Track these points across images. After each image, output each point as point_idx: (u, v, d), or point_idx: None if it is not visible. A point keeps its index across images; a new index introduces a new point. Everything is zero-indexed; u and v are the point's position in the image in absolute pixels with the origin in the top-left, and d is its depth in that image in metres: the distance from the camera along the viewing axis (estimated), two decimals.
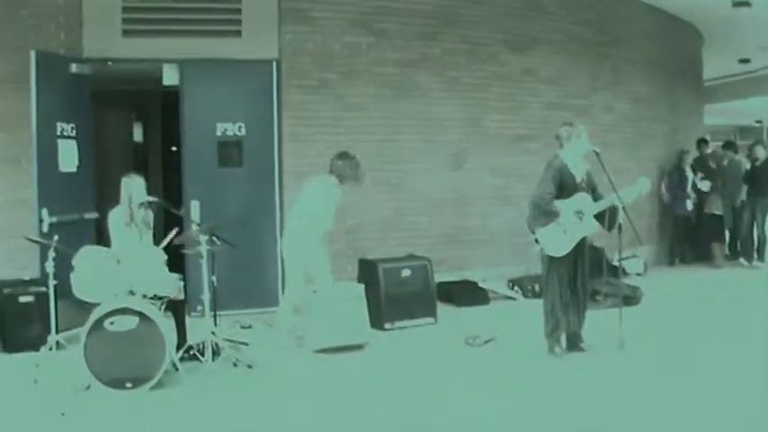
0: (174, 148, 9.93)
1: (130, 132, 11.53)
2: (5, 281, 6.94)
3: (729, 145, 12.66)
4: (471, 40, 9.35)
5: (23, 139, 7.23)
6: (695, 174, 11.67)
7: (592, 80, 10.60)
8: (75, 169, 7.63)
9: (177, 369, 5.62)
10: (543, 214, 6.11)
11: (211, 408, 5.12)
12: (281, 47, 8.35)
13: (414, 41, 8.97)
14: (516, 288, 9.02)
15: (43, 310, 6.23)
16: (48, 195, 7.19)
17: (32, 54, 7.12)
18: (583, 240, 6.25)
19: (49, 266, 5.36)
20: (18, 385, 5.53)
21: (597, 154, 6.18)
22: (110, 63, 7.99)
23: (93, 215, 7.75)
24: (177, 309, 6.15)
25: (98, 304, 5.61)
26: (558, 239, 6.12)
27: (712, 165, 12.02)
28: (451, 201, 9.30)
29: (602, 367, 5.98)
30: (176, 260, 6.66)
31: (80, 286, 5.69)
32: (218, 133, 8.20)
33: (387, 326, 7.42)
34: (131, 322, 5.43)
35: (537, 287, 8.32)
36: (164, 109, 10.77)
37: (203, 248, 5.94)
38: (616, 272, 7.79)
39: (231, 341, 6.42)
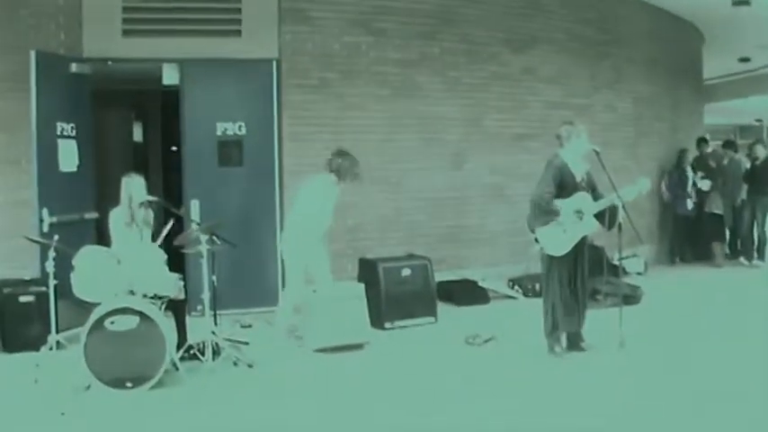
0: (174, 148, 9.93)
1: (130, 132, 11.53)
2: (6, 281, 6.94)
3: (729, 144, 12.67)
4: (471, 40, 9.35)
5: (23, 139, 7.22)
6: (695, 173, 11.67)
7: (592, 79, 10.60)
8: (75, 169, 7.63)
9: (177, 368, 5.63)
10: (543, 213, 6.11)
11: (212, 407, 5.12)
12: (280, 46, 8.35)
13: (413, 41, 8.97)
14: (516, 287, 9.02)
15: (43, 310, 6.22)
16: (48, 195, 7.19)
17: (32, 54, 7.11)
18: (583, 240, 6.25)
19: (50, 266, 5.36)
20: (18, 385, 5.54)
21: (597, 153, 6.18)
22: (110, 63, 7.99)
23: (94, 215, 7.75)
24: (177, 308, 6.15)
25: (98, 304, 5.61)
26: (558, 239, 6.12)
27: (712, 164, 12.02)
28: (451, 200, 9.30)
29: (603, 367, 5.98)
30: (176, 260, 6.67)
31: (80, 286, 5.69)
32: (219, 133, 8.20)
33: (387, 325, 7.43)
34: (132, 322, 5.43)
35: (537, 286, 8.31)
36: (164, 109, 10.77)
37: (203, 248, 5.94)
38: (616, 271, 7.78)
39: (231, 340, 6.42)
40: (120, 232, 6.03)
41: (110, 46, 7.85)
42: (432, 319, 7.72)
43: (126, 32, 7.91)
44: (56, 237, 5.57)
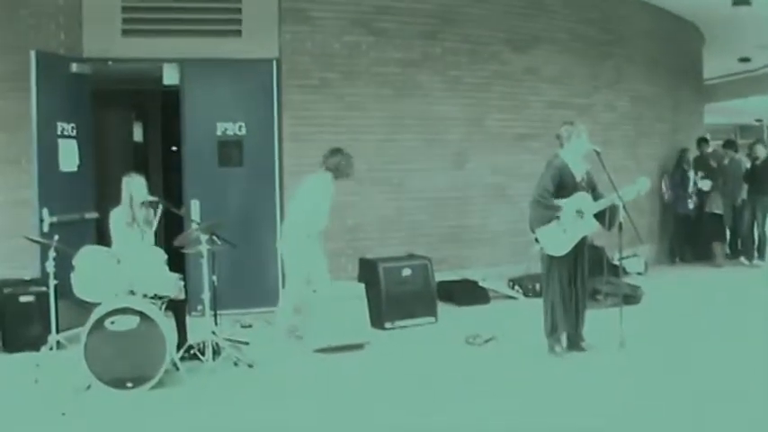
0: (174, 148, 9.93)
1: (130, 132, 11.52)
2: (6, 281, 6.94)
3: (730, 144, 12.67)
4: (472, 39, 9.35)
5: (24, 139, 7.23)
6: (696, 173, 11.66)
7: (593, 79, 10.60)
8: (75, 169, 7.63)
9: (178, 369, 5.62)
10: (545, 210, 6.09)
11: (212, 407, 5.12)
12: (281, 46, 8.35)
13: (414, 41, 8.97)
14: (517, 287, 9.02)
15: (44, 310, 6.23)
16: (48, 195, 7.19)
17: (32, 54, 7.11)
18: (583, 240, 6.25)
19: (50, 266, 5.36)
20: (18, 385, 5.54)
21: (598, 153, 6.18)
22: (110, 63, 7.99)
23: (94, 215, 7.75)
24: (178, 308, 6.15)
25: (98, 304, 5.61)
26: (558, 239, 6.12)
27: (713, 164, 12.01)
28: (452, 200, 9.30)
29: (603, 367, 5.98)
30: (177, 260, 6.67)
31: (81, 286, 5.69)
32: (219, 133, 8.20)
33: (387, 325, 7.42)
34: (132, 322, 5.43)
35: (537, 286, 8.30)
36: (164, 109, 10.77)
37: (204, 248, 5.95)
38: (616, 271, 7.79)
39: (232, 340, 6.42)
40: (121, 232, 6.03)
41: (110, 46, 7.86)
42: (432, 319, 7.72)
43: (126, 32, 7.91)
44: (56, 237, 5.57)
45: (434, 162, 9.12)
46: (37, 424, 4.82)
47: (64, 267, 5.55)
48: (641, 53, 11.41)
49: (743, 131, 23.32)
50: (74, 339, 5.96)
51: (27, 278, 6.95)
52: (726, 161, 12.15)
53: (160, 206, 6.19)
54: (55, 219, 7.17)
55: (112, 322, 5.41)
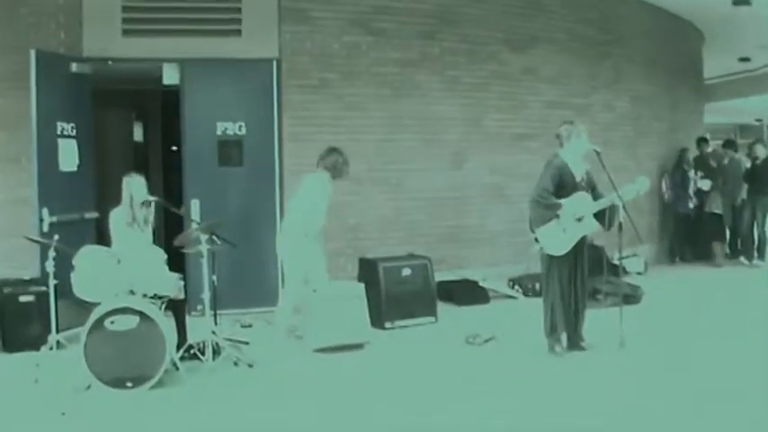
0: (174, 148, 9.93)
1: (131, 132, 11.53)
2: (5, 280, 6.94)
3: (729, 143, 12.67)
4: (471, 40, 9.35)
5: (24, 138, 7.23)
6: (695, 172, 11.66)
7: (592, 79, 10.60)
8: (75, 168, 7.63)
9: (178, 368, 5.62)
10: (544, 209, 6.08)
11: (212, 407, 5.12)
12: (280, 46, 8.35)
13: (413, 41, 8.97)
14: (516, 287, 9.02)
15: (43, 310, 6.23)
16: (48, 195, 7.19)
17: (32, 53, 7.11)
18: (582, 239, 6.25)
19: (50, 266, 5.36)
20: (18, 385, 5.54)
21: (597, 153, 6.18)
22: (110, 62, 7.99)
23: (94, 214, 7.75)
24: (177, 308, 6.16)
25: (98, 304, 5.61)
26: (558, 238, 6.12)
27: (713, 163, 12.02)
28: (451, 200, 9.30)
29: (603, 366, 5.98)
30: (177, 259, 6.67)
31: (80, 286, 5.69)
32: (219, 132, 8.20)
33: (387, 325, 7.42)
34: (132, 322, 5.43)
35: (537, 286, 8.30)
36: (164, 108, 10.77)
37: (203, 248, 5.94)
38: (616, 270, 7.79)
39: (231, 340, 6.42)
40: (121, 232, 6.03)
41: (110, 46, 7.86)
42: (432, 318, 7.72)
43: (126, 32, 7.92)
44: (56, 236, 5.57)
45: (433, 162, 9.13)
46: (37, 424, 4.82)
47: (64, 267, 5.55)
48: (640, 53, 11.41)
49: (743, 131, 23.34)
50: (74, 339, 5.96)
51: (27, 278, 6.96)
52: (726, 161, 12.16)
53: (152, 203, 6.20)
54: (55, 218, 7.17)
55: (112, 322, 5.41)
